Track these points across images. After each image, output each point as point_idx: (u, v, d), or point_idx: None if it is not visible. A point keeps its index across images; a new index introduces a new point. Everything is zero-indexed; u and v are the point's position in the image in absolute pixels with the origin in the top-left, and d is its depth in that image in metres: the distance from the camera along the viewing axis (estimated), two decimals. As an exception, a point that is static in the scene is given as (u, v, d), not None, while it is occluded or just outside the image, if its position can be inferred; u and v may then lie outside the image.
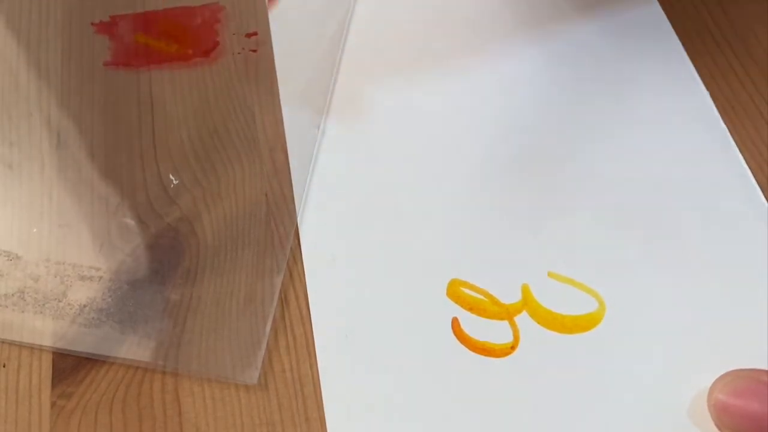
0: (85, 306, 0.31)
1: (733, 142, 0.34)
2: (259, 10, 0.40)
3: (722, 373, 0.28)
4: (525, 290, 0.31)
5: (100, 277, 0.32)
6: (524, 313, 0.30)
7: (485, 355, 0.30)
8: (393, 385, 0.29)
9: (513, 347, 0.30)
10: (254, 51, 0.39)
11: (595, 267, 0.31)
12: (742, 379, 0.27)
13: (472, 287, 0.31)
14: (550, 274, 0.31)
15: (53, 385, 0.30)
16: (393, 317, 0.30)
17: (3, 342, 0.31)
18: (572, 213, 0.33)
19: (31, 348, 0.31)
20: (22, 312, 0.31)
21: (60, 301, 0.31)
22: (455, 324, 0.30)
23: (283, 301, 0.31)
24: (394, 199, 0.34)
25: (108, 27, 0.40)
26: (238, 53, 0.39)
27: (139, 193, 0.34)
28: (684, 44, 0.37)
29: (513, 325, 0.30)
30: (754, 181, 0.33)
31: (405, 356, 0.30)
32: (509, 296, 0.31)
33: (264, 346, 0.30)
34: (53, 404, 0.29)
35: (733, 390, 0.27)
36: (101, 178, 0.35)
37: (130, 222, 0.33)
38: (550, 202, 0.33)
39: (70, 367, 0.30)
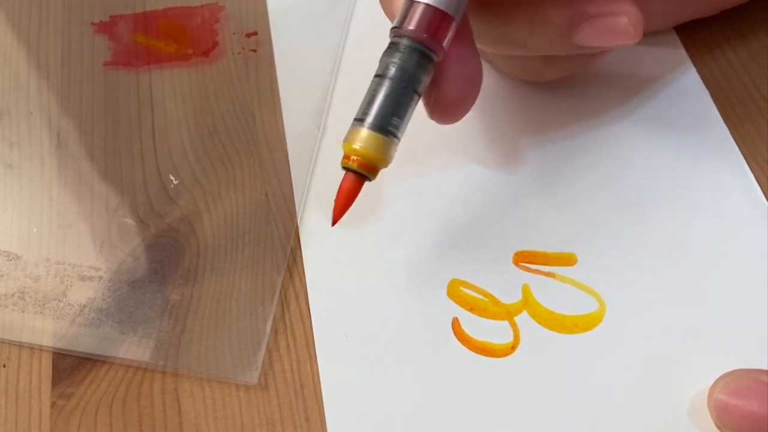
0: (85, 306, 0.31)
1: (733, 142, 0.34)
2: (259, 10, 0.40)
3: (722, 373, 0.28)
4: (525, 290, 0.31)
5: (100, 277, 0.32)
6: (524, 313, 0.30)
7: (485, 355, 0.30)
8: (393, 385, 0.29)
9: (513, 347, 0.30)
10: (254, 51, 0.39)
11: (596, 267, 0.31)
12: (742, 379, 0.27)
13: (472, 287, 0.31)
14: (550, 274, 0.31)
15: (53, 385, 0.30)
16: (393, 317, 0.30)
17: (3, 342, 0.31)
18: (572, 213, 0.33)
19: (31, 348, 0.31)
20: (22, 312, 0.31)
21: (60, 301, 0.31)
22: (455, 324, 0.30)
23: (283, 300, 0.31)
24: (395, 198, 0.33)
25: (108, 27, 0.40)
26: (238, 53, 0.39)
27: (139, 193, 0.34)
28: (683, 43, 0.37)
29: (513, 325, 0.30)
30: (754, 181, 0.33)
31: (405, 356, 0.30)
32: (509, 296, 0.31)
33: (264, 346, 0.30)
34: (53, 404, 0.29)
35: (733, 390, 0.27)
36: (101, 178, 0.35)
37: (130, 222, 0.33)
38: (551, 202, 0.33)
39: (70, 367, 0.30)
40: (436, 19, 0.27)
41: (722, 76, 0.37)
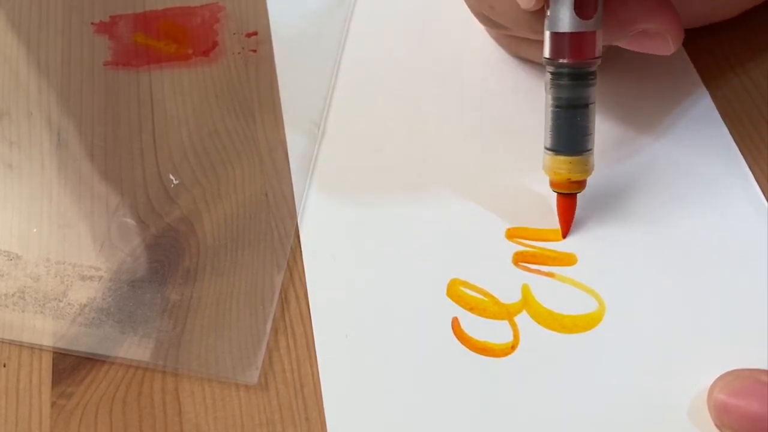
0: (85, 306, 0.31)
1: (733, 143, 0.34)
2: (259, 10, 0.40)
3: (722, 373, 0.28)
4: (525, 290, 0.31)
5: (101, 277, 0.32)
6: (524, 313, 0.30)
7: (485, 355, 0.30)
8: (393, 385, 0.29)
9: (513, 347, 0.30)
10: (254, 51, 0.39)
11: (596, 267, 0.31)
12: (742, 379, 0.27)
13: (472, 287, 0.31)
14: (550, 274, 0.31)
15: (53, 385, 0.30)
16: (393, 317, 0.30)
17: (3, 342, 0.31)
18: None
19: (31, 348, 0.31)
20: (23, 312, 0.31)
21: (60, 301, 0.31)
22: (455, 324, 0.30)
23: (284, 300, 0.31)
24: (395, 198, 0.34)
25: (108, 27, 0.40)
26: (238, 53, 0.39)
27: (139, 193, 0.34)
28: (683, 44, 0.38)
29: (513, 325, 0.30)
30: (754, 181, 0.33)
31: (405, 356, 0.30)
32: (509, 296, 0.31)
33: (264, 346, 0.30)
34: (53, 404, 0.29)
35: (733, 390, 0.27)
36: (101, 178, 0.35)
37: (130, 222, 0.33)
38: (551, 202, 0.33)
39: (70, 367, 0.30)
40: (584, 41, 0.29)
41: (722, 77, 0.37)
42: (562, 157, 0.31)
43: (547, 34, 0.30)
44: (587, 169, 0.31)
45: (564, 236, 0.32)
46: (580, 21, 0.29)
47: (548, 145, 0.31)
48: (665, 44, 0.31)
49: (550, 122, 0.31)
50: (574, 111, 0.30)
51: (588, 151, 0.31)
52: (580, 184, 0.31)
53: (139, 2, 0.41)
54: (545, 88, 0.31)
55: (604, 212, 0.33)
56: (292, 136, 0.36)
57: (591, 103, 0.30)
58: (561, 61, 0.30)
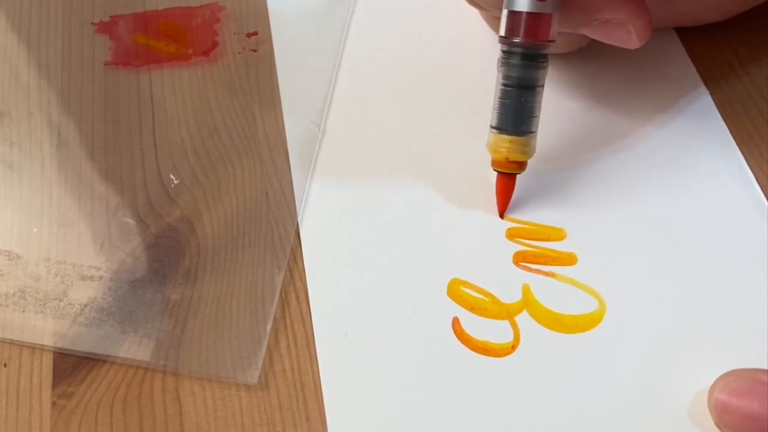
0: (85, 305, 0.31)
1: (733, 142, 0.34)
2: (259, 10, 0.40)
3: (722, 373, 0.28)
4: (525, 290, 0.31)
5: (101, 277, 0.32)
6: (525, 313, 0.30)
7: (486, 355, 0.30)
8: (393, 385, 0.29)
9: (513, 347, 0.30)
10: (254, 51, 0.39)
11: (596, 267, 0.31)
12: (742, 379, 0.27)
13: (472, 287, 0.31)
14: (550, 274, 0.31)
15: (53, 385, 0.30)
16: (393, 317, 0.30)
17: (4, 341, 0.31)
18: (572, 213, 0.33)
19: (32, 348, 0.31)
20: (23, 312, 0.31)
21: (60, 301, 0.31)
22: (456, 324, 0.30)
23: (284, 300, 0.31)
24: (395, 198, 0.34)
25: (108, 27, 0.40)
26: (239, 53, 0.39)
27: (139, 193, 0.34)
28: (683, 43, 0.38)
29: (513, 324, 0.30)
30: (754, 181, 0.33)
31: (405, 356, 0.30)
32: (510, 296, 0.31)
33: (264, 345, 0.30)
34: (53, 404, 0.29)
35: (733, 390, 0.27)
36: (101, 177, 0.35)
37: (131, 221, 0.33)
38: (552, 202, 0.33)
39: (70, 366, 0.30)
40: (538, 23, 0.30)
41: (722, 77, 0.37)
42: (503, 136, 0.31)
43: (504, 12, 0.30)
44: (527, 150, 0.31)
45: (501, 216, 0.33)
46: (536, 2, 0.29)
47: (492, 123, 0.32)
48: (629, 37, 0.31)
49: (497, 100, 0.31)
50: (521, 91, 0.31)
51: (531, 133, 0.31)
52: (520, 165, 0.32)
53: (139, 2, 0.41)
54: (497, 66, 0.31)
55: (605, 213, 0.33)
56: (292, 136, 0.36)
57: (539, 86, 0.31)
58: (514, 40, 0.30)
